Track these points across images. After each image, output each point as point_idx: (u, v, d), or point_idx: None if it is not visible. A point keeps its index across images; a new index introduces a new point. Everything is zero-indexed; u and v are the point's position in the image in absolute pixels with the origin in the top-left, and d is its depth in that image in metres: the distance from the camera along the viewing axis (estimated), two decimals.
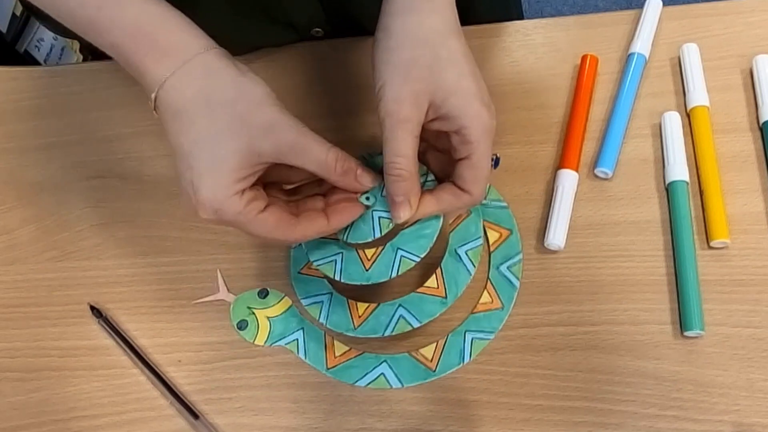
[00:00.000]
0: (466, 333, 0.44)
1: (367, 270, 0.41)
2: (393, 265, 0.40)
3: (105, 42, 0.37)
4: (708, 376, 0.42)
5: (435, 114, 0.38)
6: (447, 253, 0.43)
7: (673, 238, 0.45)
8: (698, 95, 0.48)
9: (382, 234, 0.40)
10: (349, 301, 0.44)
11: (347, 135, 0.52)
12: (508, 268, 0.45)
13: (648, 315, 0.44)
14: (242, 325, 0.46)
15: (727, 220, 0.45)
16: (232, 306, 0.47)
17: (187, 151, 0.36)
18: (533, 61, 0.53)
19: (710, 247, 0.45)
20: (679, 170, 0.46)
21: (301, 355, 0.45)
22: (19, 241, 0.52)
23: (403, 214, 0.38)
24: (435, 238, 0.40)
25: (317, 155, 0.37)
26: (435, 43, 0.38)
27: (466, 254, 0.43)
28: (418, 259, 0.40)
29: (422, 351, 0.44)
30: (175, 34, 0.37)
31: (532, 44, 0.54)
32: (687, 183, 0.46)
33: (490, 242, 0.47)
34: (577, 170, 0.48)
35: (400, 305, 0.42)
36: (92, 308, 0.48)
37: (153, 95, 0.37)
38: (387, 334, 0.42)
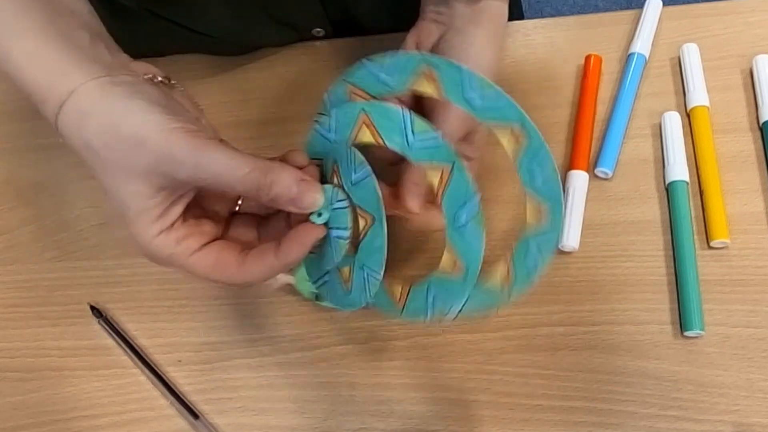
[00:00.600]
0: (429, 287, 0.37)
1: (348, 292, 0.37)
2: (366, 287, 0.36)
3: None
4: (708, 376, 0.42)
5: None
6: (447, 226, 0.36)
7: (673, 238, 0.45)
8: (698, 95, 0.49)
9: (340, 259, 0.35)
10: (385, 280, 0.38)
11: None
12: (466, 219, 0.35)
13: (648, 315, 0.44)
14: (318, 297, 0.45)
15: (727, 220, 0.45)
16: (296, 284, 0.46)
17: (103, 189, 0.33)
18: (533, 61, 0.53)
19: (710, 247, 0.45)
20: (679, 170, 0.46)
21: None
22: (19, 241, 0.52)
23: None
24: (386, 249, 0.34)
25: (228, 167, 0.31)
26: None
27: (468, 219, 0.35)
28: (379, 277, 0.35)
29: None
30: (39, 74, 0.33)
31: (532, 44, 0.54)
32: (687, 183, 0.46)
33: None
34: (587, 171, 0.48)
35: (428, 287, 0.37)
36: (92, 308, 0.48)
37: (52, 118, 0.33)
38: (429, 317, 0.37)
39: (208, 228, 0.35)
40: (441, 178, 0.34)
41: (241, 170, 0.31)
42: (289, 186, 0.32)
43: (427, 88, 0.36)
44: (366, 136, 0.35)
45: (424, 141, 0.34)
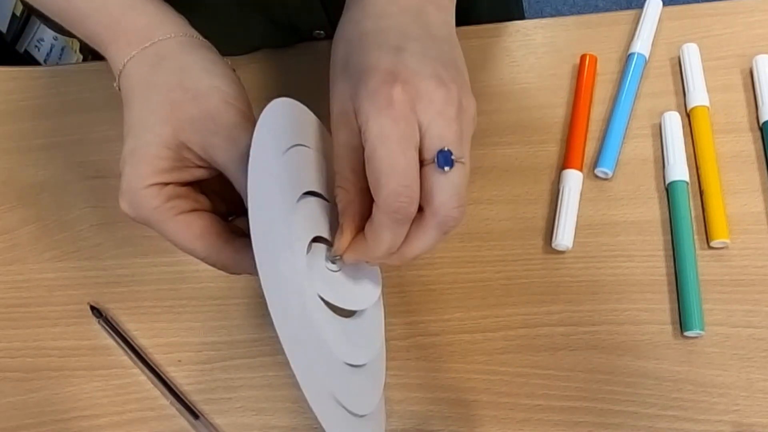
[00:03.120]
0: None
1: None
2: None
3: (81, 33, 0.37)
4: (708, 376, 0.42)
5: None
6: None
7: (673, 238, 0.45)
8: (698, 95, 0.49)
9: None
10: None
11: None
12: None
13: (648, 315, 0.44)
14: None
15: (727, 220, 0.45)
16: None
17: (124, 136, 0.34)
18: (533, 61, 0.53)
19: (710, 247, 0.45)
20: (679, 170, 0.46)
21: None
22: (19, 241, 0.52)
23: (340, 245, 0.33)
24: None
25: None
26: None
27: None
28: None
29: None
30: (140, 20, 0.36)
31: (532, 44, 0.54)
32: (687, 183, 0.46)
33: None
34: (581, 170, 0.48)
35: None
36: (92, 308, 0.48)
37: (115, 83, 0.35)
38: None
39: (203, 201, 0.35)
40: None
41: None
42: None
43: None
44: None
45: None
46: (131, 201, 0.33)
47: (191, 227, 0.33)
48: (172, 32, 0.36)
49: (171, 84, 0.34)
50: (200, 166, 0.34)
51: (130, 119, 0.34)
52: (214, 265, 0.34)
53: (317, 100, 0.54)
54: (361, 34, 0.32)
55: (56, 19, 0.37)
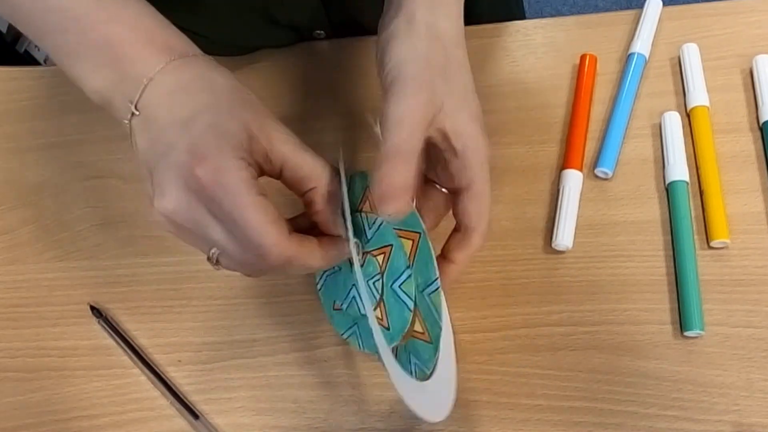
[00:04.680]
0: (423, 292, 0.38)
1: (388, 329, 0.37)
2: (403, 304, 0.36)
3: (93, 36, 0.34)
4: (708, 376, 0.42)
5: (438, 123, 0.34)
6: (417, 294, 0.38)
7: (673, 238, 0.45)
8: (698, 95, 0.49)
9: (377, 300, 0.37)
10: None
11: (348, 135, 0.52)
12: (426, 293, 0.37)
13: (648, 315, 0.44)
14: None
15: (727, 220, 0.45)
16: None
17: (186, 117, 0.32)
18: (533, 61, 0.53)
19: (710, 247, 0.45)
20: (679, 170, 0.46)
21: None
22: (19, 241, 0.52)
23: (393, 208, 0.33)
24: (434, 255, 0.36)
25: (311, 162, 0.35)
26: (447, 45, 0.36)
27: (401, 288, 0.37)
28: (412, 305, 0.36)
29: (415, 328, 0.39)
30: (174, 35, 0.36)
31: (532, 44, 0.54)
32: (687, 183, 0.46)
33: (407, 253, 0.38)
34: (581, 170, 0.48)
35: (410, 353, 0.39)
36: (92, 308, 0.48)
37: (145, 80, 0.33)
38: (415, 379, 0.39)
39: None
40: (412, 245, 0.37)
41: (326, 173, 0.35)
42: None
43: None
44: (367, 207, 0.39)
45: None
46: (217, 167, 0.31)
47: (268, 210, 0.32)
48: (201, 52, 0.36)
49: (234, 84, 0.34)
50: (258, 163, 0.33)
51: (196, 104, 0.33)
52: (269, 260, 0.33)
53: (317, 100, 0.55)
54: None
55: (54, 26, 0.35)
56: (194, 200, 0.32)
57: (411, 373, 0.38)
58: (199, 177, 0.31)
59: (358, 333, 0.41)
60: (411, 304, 0.36)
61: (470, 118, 0.35)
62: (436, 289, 0.36)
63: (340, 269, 0.40)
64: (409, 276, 0.36)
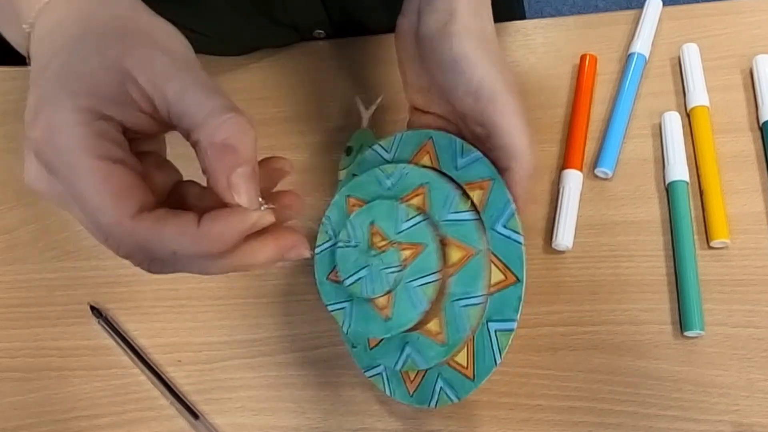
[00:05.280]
0: (489, 324, 0.38)
1: (388, 319, 0.38)
2: (416, 304, 0.37)
3: None
4: (708, 376, 0.42)
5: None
6: (447, 300, 0.38)
7: (673, 238, 0.45)
8: (698, 95, 0.48)
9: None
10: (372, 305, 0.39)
11: (350, 135, 0.52)
12: (504, 225, 0.37)
13: (648, 315, 0.44)
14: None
15: (727, 220, 0.45)
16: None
17: (44, 64, 0.27)
18: (533, 61, 0.53)
19: (710, 247, 0.45)
20: (679, 170, 0.46)
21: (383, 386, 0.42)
22: (19, 241, 0.52)
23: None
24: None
25: (198, 104, 0.26)
26: (497, 48, 0.37)
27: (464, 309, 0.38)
28: (481, 297, 0.37)
29: (457, 359, 0.39)
30: None
31: (532, 44, 0.54)
32: (687, 183, 0.46)
33: (476, 202, 0.39)
34: (581, 170, 0.48)
35: (406, 343, 0.39)
36: (92, 308, 0.48)
37: (26, 25, 0.29)
38: (398, 368, 0.40)
39: (138, 167, 0.27)
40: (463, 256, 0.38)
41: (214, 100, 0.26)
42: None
43: (425, 161, 0.40)
44: (425, 160, 0.40)
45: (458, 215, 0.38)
46: (48, 123, 0.25)
47: (109, 178, 0.25)
48: None
49: (111, 14, 0.28)
50: (142, 111, 0.27)
51: (65, 41, 0.27)
52: (121, 247, 0.28)
53: (318, 100, 0.55)
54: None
55: None
56: (44, 170, 0.27)
57: (431, 397, 0.39)
58: (35, 139, 0.26)
59: (349, 311, 0.40)
60: (424, 306, 0.37)
61: (518, 111, 0.36)
62: (477, 304, 0.37)
63: (357, 245, 0.39)
64: (435, 281, 0.37)
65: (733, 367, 0.42)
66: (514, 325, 0.37)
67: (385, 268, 0.38)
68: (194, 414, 0.44)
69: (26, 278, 0.51)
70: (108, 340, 0.48)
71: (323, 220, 0.42)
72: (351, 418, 0.44)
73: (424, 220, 0.38)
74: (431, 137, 0.40)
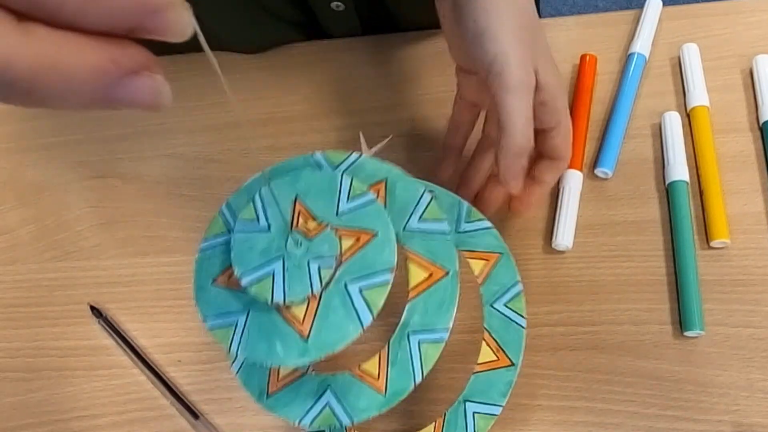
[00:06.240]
0: (466, 405, 0.32)
1: (305, 338, 0.27)
2: (354, 312, 0.27)
3: None
4: (708, 376, 0.42)
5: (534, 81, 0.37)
6: (399, 331, 0.30)
7: (673, 238, 0.45)
8: (698, 95, 0.48)
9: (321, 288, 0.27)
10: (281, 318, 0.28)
11: (354, 135, 0.52)
12: (505, 304, 0.33)
13: (648, 315, 0.44)
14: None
15: (727, 220, 0.45)
16: None
17: None
18: None
19: (710, 247, 0.45)
20: (679, 170, 0.46)
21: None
22: (19, 241, 0.52)
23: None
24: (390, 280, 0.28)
25: None
26: (524, 4, 0.38)
27: (419, 346, 0.30)
28: (446, 337, 0.29)
29: None
30: None
31: None
32: (687, 183, 0.46)
33: (476, 273, 0.34)
34: (581, 170, 0.48)
35: (328, 386, 0.30)
36: (92, 308, 0.48)
37: None
38: (305, 423, 0.30)
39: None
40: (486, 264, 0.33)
41: None
42: None
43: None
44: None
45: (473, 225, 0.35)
46: None
47: None
48: None
49: None
50: None
51: None
52: None
53: (319, 99, 0.55)
54: None
55: None
56: None
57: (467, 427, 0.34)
58: None
59: (242, 327, 0.28)
60: (367, 320, 0.27)
61: (553, 70, 0.38)
62: (437, 341, 0.29)
63: (269, 229, 0.28)
64: (386, 283, 0.28)
65: (733, 367, 0.42)
66: (500, 410, 0.31)
67: (311, 262, 0.27)
68: (194, 414, 0.44)
69: (26, 278, 0.51)
70: (108, 340, 0.48)
71: (222, 207, 0.31)
72: None
73: (377, 201, 0.28)
74: (432, 192, 0.32)
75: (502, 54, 0.36)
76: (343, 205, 0.28)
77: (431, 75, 0.53)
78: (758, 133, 0.48)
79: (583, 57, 0.51)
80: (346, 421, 0.29)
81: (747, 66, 0.50)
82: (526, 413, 0.42)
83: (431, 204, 0.30)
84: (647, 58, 0.51)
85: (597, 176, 0.48)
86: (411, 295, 0.30)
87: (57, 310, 0.49)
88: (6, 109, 0.58)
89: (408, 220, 0.30)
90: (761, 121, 0.47)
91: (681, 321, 0.43)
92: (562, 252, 0.46)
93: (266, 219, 0.27)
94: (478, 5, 0.37)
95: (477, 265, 0.33)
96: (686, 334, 0.42)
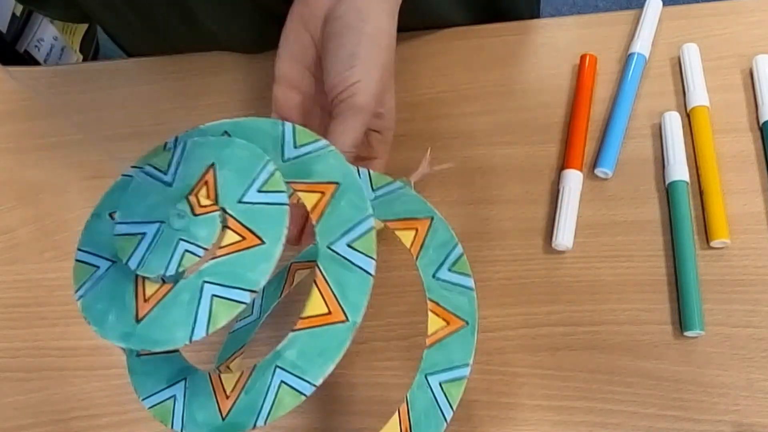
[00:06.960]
0: (429, 378, 0.29)
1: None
2: (187, 323, 0.23)
3: None
4: (708, 376, 0.42)
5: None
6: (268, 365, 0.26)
7: (673, 238, 0.45)
8: (698, 95, 0.49)
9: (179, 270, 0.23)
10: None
11: None
12: (449, 269, 0.30)
13: (648, 315, 0.44)
14: None
15: (727, 220, 0.45)
16: None
17: None
18: (533, 61, 0.53)
19: (710, 247, 0.45)
20: (679, 170, 0.46)
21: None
22: (19, 241, 0.52)
23: None
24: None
25: None
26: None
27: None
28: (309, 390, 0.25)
29: (386, 429, 0.30)
30: None
31: (532, 44, 0.54)
32: (687, 183, 0.46)
33: (411, 240, 0.31)
34: (581, 170, 0.48)
35: (185, 378, 0.26)
36: None
37: None
38: (146, 405, 0.27)
39: None
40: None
41: None
42: None
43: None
44: None
45: None
46: None
47: None
48: None
49: None
50: None
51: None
52: None
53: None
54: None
55: None
56: None
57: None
58: None
59: (96, 278, 0.24)
60: (200, 333, 0.24)
61: (392, 93, 0.41)
62: (300, 394, 0.24)
63: (170, 183, 0.24)
64: (242, 301, 0.24)
65: (733, 367, 0.42)
66: (467, 371, 0.28)
67: (180, 242, 0.24)
68: None
69: (26, 278, 0.51)
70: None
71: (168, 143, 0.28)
72: (351, 418, 0.44)
73: (286, 204, 0.24)
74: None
75: (367, 79, 0.38)
76: (251, 195, 0.23)
77: (430, 75, 0.53)
78: (758, 133, 0.48)
79: (583, 57, 0.51)
80: (176, 427, 0.25)
81: (747, 66, 0.50)
82: (526, 413, 0.42)
83: (461, 259, 0.28)
84: (647, 58, 0.51)
85: (597, 176, 0.48)
86: (303, 324, 0.26)
87: (57, 310, 0.49)
88: (6, 109, 0.58)
89: (437, 270, 0.27)
90: (761, 121, 0.47)
91: (681, 321, 0.43)
92: (562, 252, 0.46)
93: (174, 173, 0.24)
94: (361, 32, 0.39)
95: (407, 237, 0.29)
96: (686, 334, 0.42)
